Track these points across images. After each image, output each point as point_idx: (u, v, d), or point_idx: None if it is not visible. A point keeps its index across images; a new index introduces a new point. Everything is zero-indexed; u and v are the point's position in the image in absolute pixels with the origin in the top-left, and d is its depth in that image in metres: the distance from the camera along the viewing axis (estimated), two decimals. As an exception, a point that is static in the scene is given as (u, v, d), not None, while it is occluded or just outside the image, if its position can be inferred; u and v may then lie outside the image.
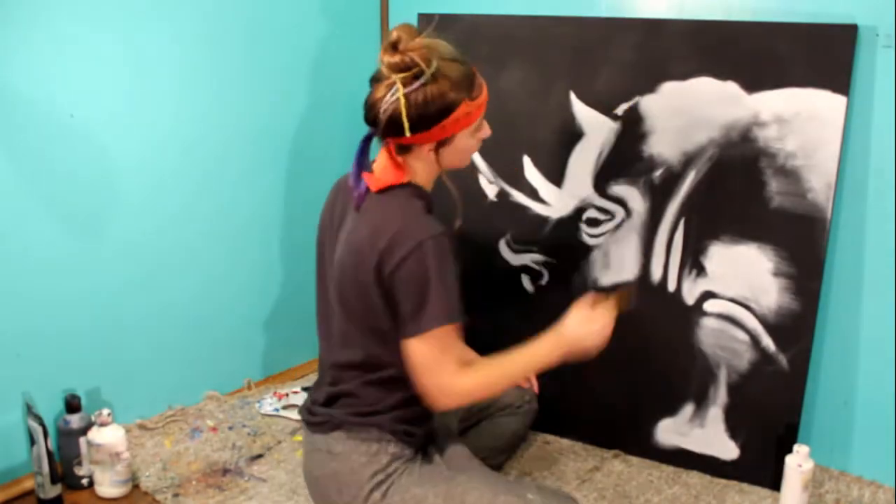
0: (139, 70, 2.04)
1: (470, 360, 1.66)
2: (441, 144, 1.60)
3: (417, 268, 1.52)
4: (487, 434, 2.00)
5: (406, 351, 1.57)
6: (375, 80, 1.56)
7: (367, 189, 1.61)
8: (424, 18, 2.35)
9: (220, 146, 2.26)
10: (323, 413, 1.70)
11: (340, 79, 2.54)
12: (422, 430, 1.72)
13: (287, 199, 2.47)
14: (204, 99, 2.20)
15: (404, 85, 1.51)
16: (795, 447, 1.86)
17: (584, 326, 1.66)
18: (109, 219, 2.05)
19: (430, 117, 1.54)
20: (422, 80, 1.51)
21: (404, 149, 1.60)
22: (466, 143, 1.64)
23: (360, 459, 1.65)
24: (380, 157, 1.64)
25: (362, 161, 1.65)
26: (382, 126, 1.55)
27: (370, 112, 1.57)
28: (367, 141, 1.64)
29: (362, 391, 1.67)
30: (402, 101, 1.51)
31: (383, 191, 1.61)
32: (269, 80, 2.34)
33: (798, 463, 1.84)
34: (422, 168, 1.63)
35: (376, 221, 1.57)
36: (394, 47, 1.53)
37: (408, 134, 1.53)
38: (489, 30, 2.23)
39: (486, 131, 1.68)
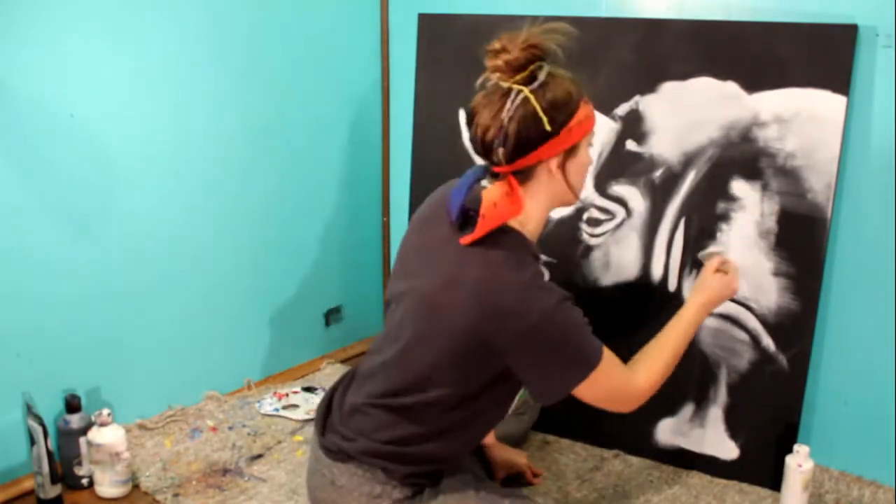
0: (140, 70, 2.04)
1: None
2: (568, 155, 1.49)
3: (552, 335, 1.44)
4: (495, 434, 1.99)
5: (580, 396, 1.52)
6: (478, 106, 1.46)
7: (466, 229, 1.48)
8: (424, 18, 2.34)
9: (220, 146, 2.26)
10: (336, 438, 1.62)
11: (341, 79, 2.54)
12: (429, 477, 1.62)
13: (287, 199, 2.47)
14: (204, 99, 2.20)
15: (525, 84, 1.42)
16: (795, 447, 1.85)
17: (720, 281, 1.68)
18: (110, 219, 2.05)
19: (561, 114, 1.44)
20: (542, 76, 1.44)
21: (527, 174, 1.48)
22: (587, 157, 1.54)
23: (361, 500, 1.58)
24: (492, 191, 1.47)
25: (465, 198, 1.49)
26: (512, 141, 1.42)
27: (487, 135, 1.43)
28: (471, 186, 1.50)
29: (397, 422, 1.57)
30: (532, 98, 1.41)
31: (493, 232, 1.46)
32: (269, 79, 2.34)
33: (798, 463, 1.84)
34: (542, 198, 1.52)
35: (482, 286, 1.44)
36: (499, 53, 1.45)
37: (548, 128, 1.41)
38: (490, 30, 2.21)
39: (592, 143, 1.58)
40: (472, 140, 1.48)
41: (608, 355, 1.52)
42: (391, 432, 1.57)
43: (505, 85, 1.42)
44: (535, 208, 1.52)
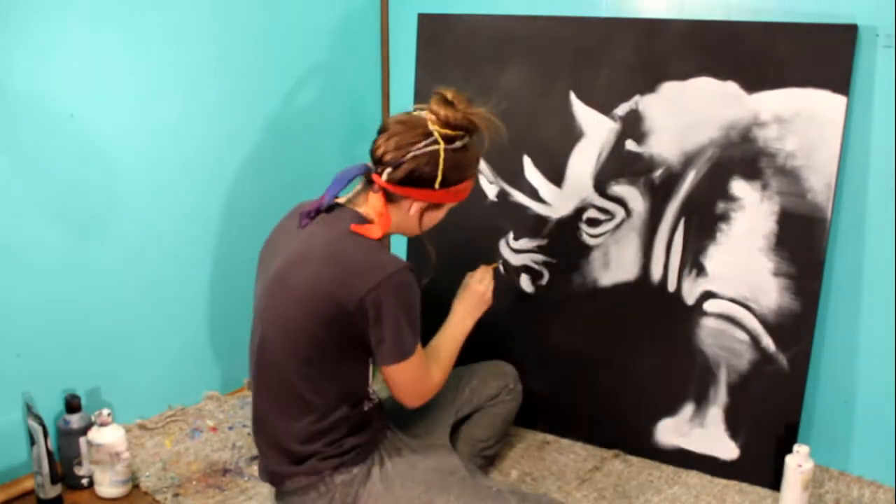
0: (140, 70, 2.04)
1: None
2: (432, 207, 1.66)
3: (395, 298, 1.56)
4: (480, 426, 2.02)
5: (387, 373, 1.64)
6: (404, 123, 1.61)
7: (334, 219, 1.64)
8: (424, 18, 2.34)
9: (220, 146, 2.25)
10: (277, 470, 1.71)
11: (341, 79, 2.54)
12: (366, 436, 1.71)
13: (287, 199, 2.46)
14: (204, 100, 2.19)
15: (445, 142, 1.58)
16: (795, 447, 1.86)
17: (473, 296, 1.86)
18: (109, 218, 2.05)
19: (454, 178, 1.62)
20: (460, 144, 1.60)
21: (394, 199, 1.64)
22: (442, 216, 1.72)
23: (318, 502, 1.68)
24: (374, 200, 1.64)
25: (337, 191, 1.67)
26: (403, 172, 1.58)
27: (388, 154, 1.59)
28: (352, 177, 1.67)
29: (293, 424, 1.67)
30: (442, 154, 1.57)
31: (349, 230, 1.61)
32: (269, 80, 2.34)
33: (798, 463, 1.85)
34: (396, 222, 1.67)
35: (339, 247, 1.59)
36: (448, 103, 1.60)
37: (436, 186, 1.59)
38: (490, 30, 2.23)
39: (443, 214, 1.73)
40: (373, 149, 1.63)
41: (419, 351, 1.65)
42: (300, 427, 1.66)
43: (432, 128, 1.58)
44: (384, 224, 1.65)
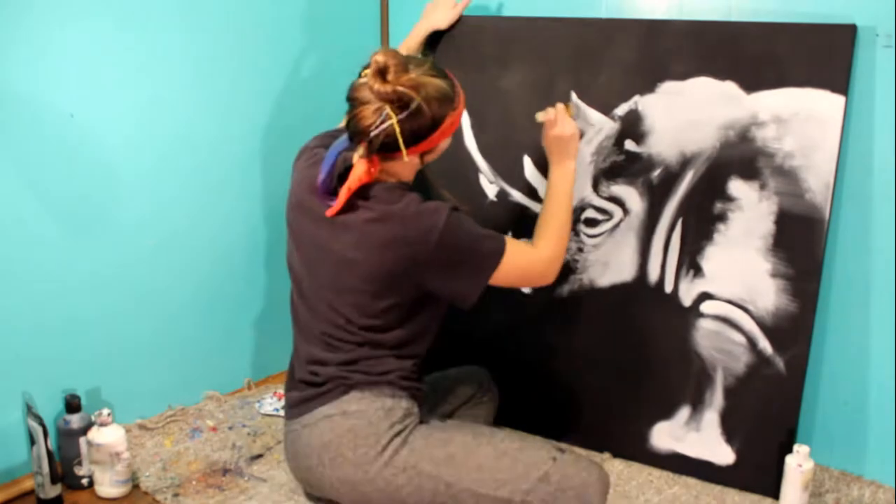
0: (140, 70, 2.05)
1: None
2: (426, 153, 1.72)
3: (453, 239, 1.66)
4: None
5: (499, 283, 1.73)
6: (359, 101, 1.64)
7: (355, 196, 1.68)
8: None
9: (220, 146, 2.26)
10: (330, 379, 1.77)
11: (342, 80, 2.53)
12: (423, 387, 1.84)
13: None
14: (205, 100, 2.20)
15: (395, 112, 1.61)
16: (795, 447, 1.86)
17: (555, 135, 1.87)
18: (110, 218, 2.06)
19: (420, 137, 1.66)
20: (412, 109, 1.61)
21: (388, 157, 1.69)
22: (447, 144, 1.77)
23: (378, 413, 1.72)
24: (358, 167, 1.67)
25: (330, 181, 1.72)
26: (375, 147, 1.64)
27: (360, 135, 1.64)
28: (341, 149, 1.72)
29: (368, 362, 1.76)
30: (397, 128, 1.61)
31: (369, 189, 1.68)
32: (269, 80, 2.35)
33: (798, 463, 1.85)
34: (406, 169, 1.75)
35: (384, 221, 1.66)
36: (382, 76, 1.61)
37: (405, 156, 1.65)
38: (494, 31, 2.24)
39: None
40: (347, 124, 1.67)
41: (510, 241, 1.73)
42: (375, 367, 1.76)
43: (377, 105, 1.61)
44: (400, 174, 1.75)
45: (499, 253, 1.70)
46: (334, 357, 1.77)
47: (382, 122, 1.61)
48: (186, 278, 2.25)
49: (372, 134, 1.61)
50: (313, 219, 1.75)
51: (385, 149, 1.64)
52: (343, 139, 1.72)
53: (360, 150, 1.65)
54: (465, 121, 2.28)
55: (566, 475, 1.67)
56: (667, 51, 1.99)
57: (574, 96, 2.10)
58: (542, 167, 2.17)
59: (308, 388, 1.81)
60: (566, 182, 1.86)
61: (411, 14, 2.53)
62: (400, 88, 1.60)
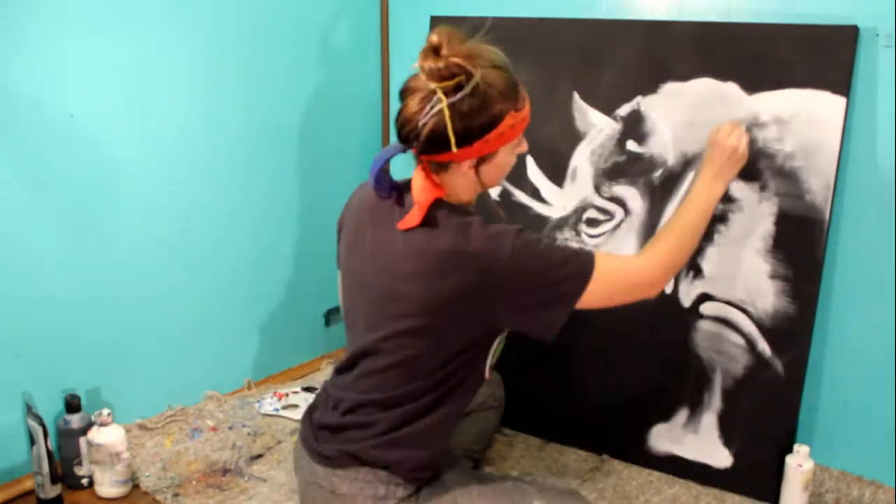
0: (141, 69, 2.04)
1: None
2: (482, 160, 1.50)
3: (529, 263, 1.46)
4: (471, 431, 1.99)
5: (591, 306, 1.53)
6: (408, 91, 1.45)
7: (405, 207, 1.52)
8: (436, 21, 2.36)
9: (220, 147, 2.26)
10: (331, 445, 1.62)
11: (341, 79, 2.54)
12: (432, 470, 1.65)
13: (287, 200, 2.47)
14: (205, 100, 2.20)
15: (447, 95, 1.40)
16: (795, 447, 1.86)
17: (721, 148, 1.71)
18: (109, 219, 2.06)
19: (475, 130, 1.44)
20: (466, 90, 1.40)
21: (441, 167, 1.50)
22: (507, 159, 1.55)
23: (367, 503, 1.58)
24: (416, 178, 1.51)
25: (384, 176, 1.54)
26: (423, 141, 1.44)
27: (406, 127, 1.45)
28: (389, 158, 1.53)
29: (381, 422, 1.58)
30: (447, 112, 1.40)
31: (431, 207, 1.49)
32: (269, 80, 2.34)
33: (798, 463, 1.85)
34: (462, 185, 1.53)
35: (446, 243, 1.46)
36: (435, 52, 1.41)
37: (454, 149, 1.42)
38: (499, 31, 2.22)
39: (524, 146, 1.59)
40: (395, 121, 1.48)
41: (601, 256, 1.52)
42: (384, 424, 1.57)
43: (431, 86, 1.41)
44: (458, 192, 1.54)
45: (586, 273, 1.49)
46: (340, 417, 1.63)
47: (432, 108, 1.40)
48: (186, 278, 2.25)
49: (420, 123, 1.42)
50: (363, 250, 1.59)
51: (434, 146, 1.44)
52: (390, 146, 1.53)
53: (416, 148, 1.47)
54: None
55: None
56: (669, 52, 2.00)
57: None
58: (545, 167, 2.18)
59: (322, 433, 1.66)
60: (709, 200, 1.69)
61: (411, 14, 2.54)
62: (455, 60, 1.40)
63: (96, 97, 1.97)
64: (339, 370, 1.68)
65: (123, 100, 2.02)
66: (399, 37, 2.62)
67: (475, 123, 1.43)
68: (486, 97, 1.42)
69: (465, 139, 1.43)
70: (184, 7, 2.10)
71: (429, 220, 1.48)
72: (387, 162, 1.53)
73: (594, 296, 1.51)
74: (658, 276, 1.60)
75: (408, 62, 2.54)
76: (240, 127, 2.30)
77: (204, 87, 2.19)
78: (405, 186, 1.56)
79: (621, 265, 1.58)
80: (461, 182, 1.53)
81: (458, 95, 1.40)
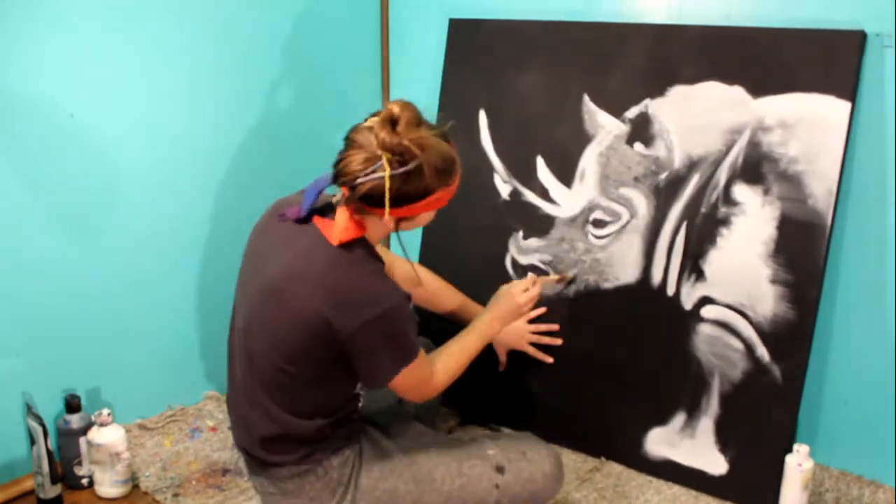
0: (140, 69, 2.04)
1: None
2: (404, 219, 1.64)
3: (391, 328, 1.60)
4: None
5: (390, 385, 1.66)
6: (355, 144, 1.56)
7: (318, 233, 1.62)
8: (454, 23, 2.38)
9: (220, 147, 2.26)
10: (260, 456, 1.73)
11: (341, 80, 2.54)
12: (349, 428, 1.75)
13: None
14: (205, 101, 2.19)
15: (391, 166, 1.52)
16: (795, 446, 1.85)
17: (509, 302, 1.93)
18: (109, 218, 2.05)
19: (405, 200, 1.57)
20: (409, 168, 1.52)
21: (365, 212, 1.61)
22: (427, 219, 1.69)
23: (316, 485, 1.70)
24: (340, 215, 1.61)
25: (314, 202, 1.65)
26: (358, 196, 1.55)
27: (344, 177, 1.56)
28: (324, 186, 1.65)
29: (289, 431, 1.69)
30: (388, 183, 1.51)
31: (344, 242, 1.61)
32: (270, 81, 2.34)
33: (798, 463, 1.85)
34: (375, 229, 1.66)
35: (331, 277, 1.58)
36: (392, 125, 1.53)
37: (386, 214, 1.55)
38: (514, 34, 2.26)
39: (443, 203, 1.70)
40: (335, 164, 1.59)
41: (422, 354, 1.68)
42: (277, 425, 1.69)
43: (377, 152, 1.52)
44: (372, 233, 1.67)
45: (413, 355, 1.65)
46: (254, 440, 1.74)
47: (373, 172, 1.52)
48: (186, 278, 2.24)
49: (358, 181, 1.53)
50: (256, 249, 1.76)
51: (366, 201, 1.56)
52: (326, 176, 1.64)
53: (340, 196, 1.61)
54: (483, 121, 2.30)
55: (514, 494, 1.77)
56: (677, 55, 2.00)
57: (573, 274, 2.16)
58: (554, 168, 2.19)
59: (251, 449, 1.77)
60: (487, 333, 1.90)
61: (411, 14, 2.53)
62: (406, 143, 1.52)
63: (96, 97, 1.96)
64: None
65: (123, 100, 2.02)
66: (399, 37, 2.61)
67: (409, 195, 1.56)
68: (423, 177, 1.55)
69: (395, 204, 1.55)
70: (184, 7, 2.09)
71: (345, 251, 1.61)
72: (320, 193, 1.65)
73: (403, 378, 1.65)
74: (440, 390, 1.79)
75: (408, 62, 2.57)
76: (240, 127, 2.29)
77: (204, 88, 2.18)
78: (325, 212, 1.67)
79: (427, 367, 1.73)
80: (379, 228, 1.65)
81: (400, 170, 1.52)
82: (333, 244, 1.59)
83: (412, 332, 1.65)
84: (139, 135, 2.06)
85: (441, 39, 2.43)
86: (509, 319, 1.95)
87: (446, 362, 1.78)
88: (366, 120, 1.59)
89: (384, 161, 1.51)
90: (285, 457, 1.70)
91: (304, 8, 2.38)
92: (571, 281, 2.12)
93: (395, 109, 1.54)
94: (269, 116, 2.35)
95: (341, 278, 1.58)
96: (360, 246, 1.62)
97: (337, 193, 1.65)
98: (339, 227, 1.60)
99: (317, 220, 1.64)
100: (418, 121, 1.56)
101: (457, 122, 2.16)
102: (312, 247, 1.61)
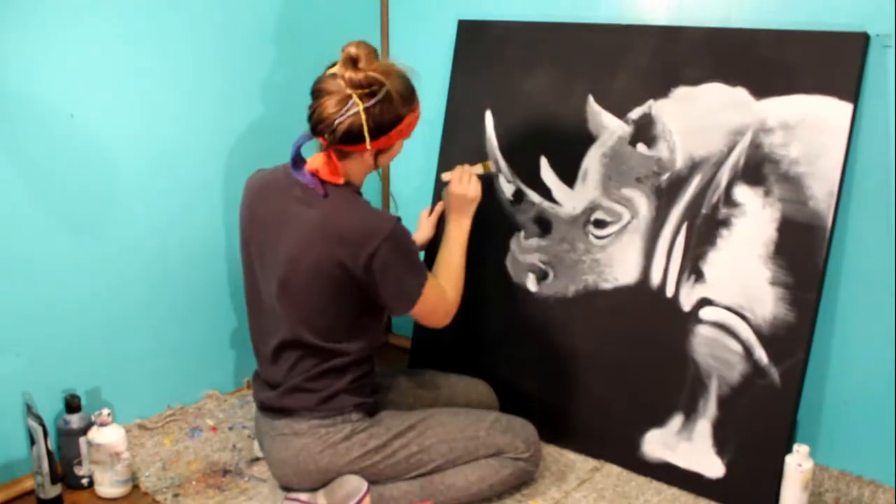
0: (140, 69, 2.03)
1: None
2: (381, 151, 1.80)
3: (394, 254, 1.75)
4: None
5: (410, 314, 1.86)
6: (323, 92, 1.71)
7: (321, 182, 1.77)
8: (464, 24, 2.39)
9: (220, 147, 2.25)
10: (280, 403, 1.87)
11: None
12: (372, 397, 1.95)
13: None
14: (205, 100, 2.19)
15: (362, 100, 1.68)
16: (795, 446, 1.85)
17: (453, 194, 2.04)
18: (109, 218, 2.04)
19: (382, 130, 1.73)
20: (378, 97, 1.69)
21: (346, 154, 1.77)
22: (400, 147, 1.86)
23: (329, 430, 1.84)
24: (316, 160, 1.78)
25: (299, 160, 1.80)
26: (339, 136, 1.70)
27: (321, 124, 1.70)
28: (303, 141, 1.80)
29: (313, 384, 1.85)
30: (363, 115, 1.68)
31: (326, 186, 1.77)
32: (269, 80, 2.33)
33: (798, 463, 1.85)
34: (357, 170, 1.82)
35: (332, 219, 1.75)
36: (354, 63, 1.69)
37: (368, 146, 1.71)
38: (521, 35, 2.27)
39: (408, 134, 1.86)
40: (309, 117, 1.74)
41: (431, 275, 1.88)
42: (317, 395, 1.85)
43: (346, 91, 1.68)
44: (354, 175, 1.83)
45: (426, 274, 1.84)
46: (277, 388, 1.90)
47: (348, 111, 1.67)
48: (186, 277, 2.24)
49: (336, 122, 1.68)
50: (264, 224, 1.85)
51: (347, 140, 1.70)
52: (304, 133, 1.78)
53: (327, 138, 1.72)
54: (489, 121, 2.31)
55: (509, 418, 2.00)
56: (681, 57, 2.00)
57: (496, 161, 2.24)
58: (557, 168, 2.19)
59: (271, 396, 1.91)
60: (461, 235, 2.03)
61: (411, 14, 2.53)
62: (371, 73, 1.67)
63: (96, 97, 1.96)
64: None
65: (123, 100, 2.01)
66: (399, 37, 2.61)
67: (384, 123, 1.73)
68: (393, 103, 1.72)
69: (374, 135, 1.71)
70: (184, 8, 2.09)
71: (333, 197, 1.77)
72: (300, 148, 1.81)
73: (416, 311, 1.86)
74: (453, 309, 1.97)
75: (407, 62, 2.56)
76: (239, 128, 2.29)
77: (204, 88, 2.18)
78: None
79: (439, 285, 1.92)
80: (360, 167, 1.82)
81: (371, 101, 1.69)
82: (332, 181, 1.77)
83: (417, 250, 1.85)
84: (139, 135, 2.06)
85: (442, 40, 2.44)
86: (469, 210, 2.05)
87: (447, 278, 1.96)
88: (326, 70, 1.75)
89: (355, 98, 1.67)
90: (310, 399, 1.85)
91: (304, 6, 2.38)
92: (490, 172, 2.17)
93: (353, 50, 1.69)
94: (269, 116, 2.35)
95: (339, 221, 1.74)
96: (345, 189, 1.78)
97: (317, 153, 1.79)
98: (315, 163, 1.77)
99: (311, 170, 1.78)
100: (376, 54, 1.72)
101: (464, 122, 2.23)
102: (308, 209, 1.77)
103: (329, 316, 1.81)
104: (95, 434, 1.92)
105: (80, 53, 1.91)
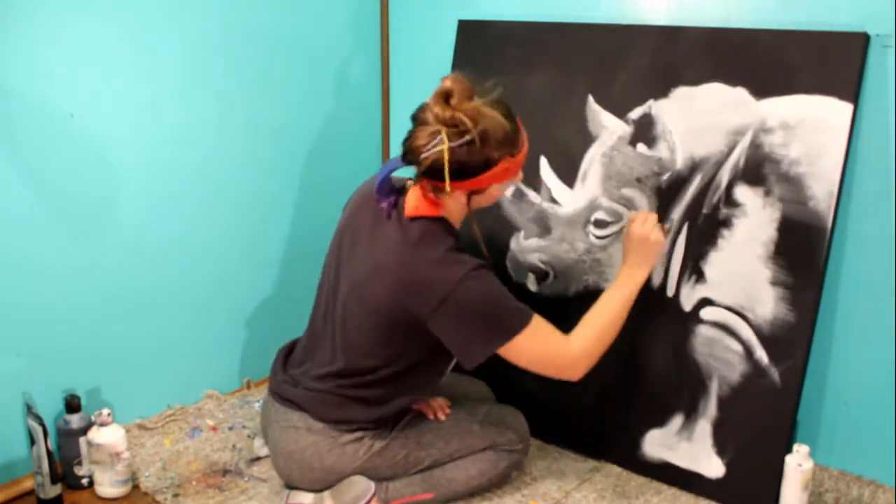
0: (141, 70, 2.03)
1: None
2: (474, 193, 1.73)
3: (466, 305, 1.67)
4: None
5: (512, 361, 1.75)
6: (419, 122, 1.66)
7: (398, 211, 1.75)
8: (464, 24, 2.38)
9: (220, 147, 2.25)
10: (300, 400, 1.88)
11: (342, 80, 2.53)
12: (394, 418, 1.92)
13: (287, 200, 2.46)
14: (206, 101, 2.19)
15: (450, 139, 1.60)
16: (795, 446, 1.85)
17: (639, 239, 1.86)
18: (109, 219, 2.04)
19: (469, 172, 1.65)
20: (467, 139, 1.61)
21: (438, 189, 1.70)
22: (498, 192, 1.78)
23: (343, 434, 1.85)
24: (413, 191, 1.75)
25: (386, 184, 1.75)
26: (422, 170, 1.66)
27: (411, 154, 1.65)
28: (392, 171, 1.73)
29: (339, 401, 1.85)
30: (446, 154, 1.60)
31: (416, 218, 1.73)
32: (269, 80, 2.33)
33: (798, 463, 1.85)
34: (453, 208, 1.76)
35: (405, 267, 1.70)
36: (446, 99, 1.62)
37: (448, 187, 1.64)
38: (521, 35, 2.27)
39: (519, 177, 1.79)
40: (403, 142, 1.69)
41: (537, 321, 1.74)
42: (339, 412, 1.85)
43: (437, 126, 1.63)
44: (450, 212, 1.78)
45: (517, 326, 1.71)
46: (312, 382, 1.90)
47: (435, 146, 1.61)
48: (186, 278, 2.24)
49: (422, 156, 1.63)
50: (354, 230, 1.84)
51: (432, 174, 1.65)
52: (396, 158, 1.73)
53: (417, 169, 1.69)
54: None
55: (500, 408, 2.05)
56: (682, 56, 2.00)
57: (672, 222, 2.04)
58: (557, 168, 2.19)
59: (298, 386, 1.92)
60: (630, 287, 1.86)
61: (411, 14, 2.53)
62: (458, 115, 1.60)
63: (96, 97, 1.96)
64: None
65: (123, 100, 2.01)
66: (399, 37, 2.61)
67: (471, 167, 1.65)
68: (484, 147, 1.63)
69: (458, 177, 1.64)
70: (184, 8, 2.09)
71: (415, 232, 1.72)
72: (390, 173, 1.73)
73: (516, 352, 1.73)
74: (581, 364, 1.80)
75: (407, 62, 2.56)
76: (239, 128, 2.28)
77: (204, 88, 2.18)
78: (400, 194, 1.79)
79: (552, 339, 1.77)
80: (454, 205, 1.76)
81: (458, 141, 1.61)
82: (407, 214, 1.73)
83: (502, 300, 1.71)
84: (139, 135, 2.06)
85: (442, 40, 2.44)
86: (651, 257, 1.88)
87: (588, 327, 1.81)
88: (423, 107, 1.68)
89: (443, 134, 1.60)
90: (327, 416, 1.86)
91: (303, 6, 2.38)
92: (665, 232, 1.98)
93: (448, 84, 1.63)
94: (269, 116, 2.35)
95: (412, 266, 1.69)
96: (435, 225, 1.73)
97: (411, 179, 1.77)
98: (409, 203, 1.73)
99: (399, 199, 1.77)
100: (470, 93, 1.64)
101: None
102: (390, 235, 1.74)
103: (380, 356, 1.80)
104: (95, 434, 1.92)
105: (80, 53, 1.91)
